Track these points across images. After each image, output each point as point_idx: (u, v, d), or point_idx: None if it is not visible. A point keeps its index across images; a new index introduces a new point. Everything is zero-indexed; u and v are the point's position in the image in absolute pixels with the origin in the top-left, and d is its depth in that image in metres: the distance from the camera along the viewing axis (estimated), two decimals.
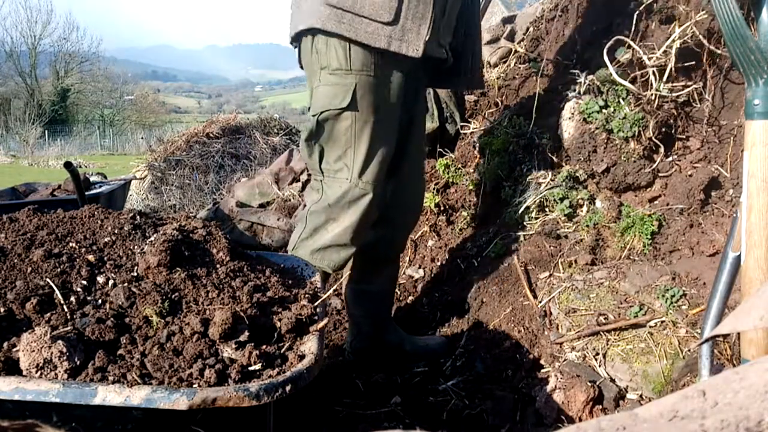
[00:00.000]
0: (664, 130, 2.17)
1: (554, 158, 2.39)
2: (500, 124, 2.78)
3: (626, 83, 2.14)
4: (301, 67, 1.97)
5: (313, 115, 1.86)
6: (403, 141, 2.02)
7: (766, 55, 1.11)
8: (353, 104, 1.81)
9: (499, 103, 3.08)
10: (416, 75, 1.98)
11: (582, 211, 2.26)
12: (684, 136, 2.21)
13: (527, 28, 3.32)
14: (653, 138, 2.15)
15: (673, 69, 2.09)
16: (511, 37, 3.41)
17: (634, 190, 2.22)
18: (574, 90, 2.40)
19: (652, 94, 2.11)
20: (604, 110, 2.21)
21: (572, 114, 2.33)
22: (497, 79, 3.13)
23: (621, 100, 2.20)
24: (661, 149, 2.18)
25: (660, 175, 2.20)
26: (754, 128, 1.14)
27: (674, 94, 2.12)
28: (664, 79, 2.10)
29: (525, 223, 2.35)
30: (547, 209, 2.33)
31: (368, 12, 1.74)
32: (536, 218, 2.33)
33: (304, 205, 2.02)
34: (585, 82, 2.33)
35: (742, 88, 2.10)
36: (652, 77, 2.11)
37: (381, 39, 1.76)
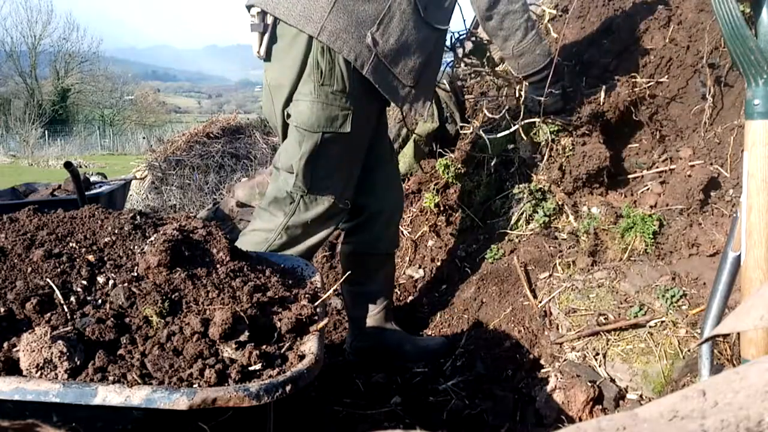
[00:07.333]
0: (581, 123, 2.28)
1: (528, 172, 2.45)
2: (500, 125, 2.78)
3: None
4: (260, 55, 1.91)
5: (315, 132, 1.84)
6: (375, 155, 2.07)
7: (766, 55, 1.11)
8: (354, 131, 1.85)
9: (500, 104, 3.07)
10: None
11: (562, 217, 2.31)
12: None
13: None
14: (563, 136, 2.29)
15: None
16: None
17: (592, 182, 2.29)
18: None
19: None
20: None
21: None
22: (497, 79, 3.13)
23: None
24: (594, 136, 2.30)
25: (658, 172, 2.20)
26: (754, 128, 1.14)
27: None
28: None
29: (516, 233, 2.38)
30: (531, 221, 2.37)
31: (398, 72, 1.85)
32: (526, 228, 2.36)
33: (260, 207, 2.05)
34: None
35: (742, 88, 2.11)
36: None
37: (399, 98, 1.89)
